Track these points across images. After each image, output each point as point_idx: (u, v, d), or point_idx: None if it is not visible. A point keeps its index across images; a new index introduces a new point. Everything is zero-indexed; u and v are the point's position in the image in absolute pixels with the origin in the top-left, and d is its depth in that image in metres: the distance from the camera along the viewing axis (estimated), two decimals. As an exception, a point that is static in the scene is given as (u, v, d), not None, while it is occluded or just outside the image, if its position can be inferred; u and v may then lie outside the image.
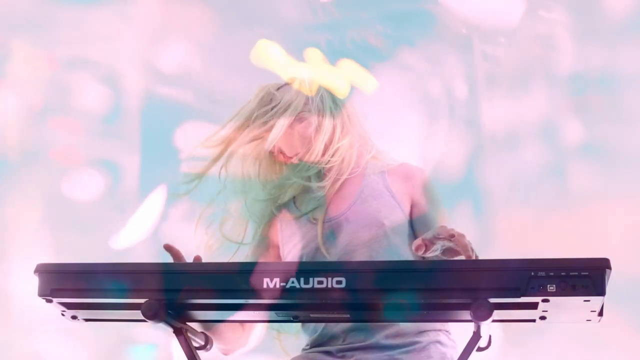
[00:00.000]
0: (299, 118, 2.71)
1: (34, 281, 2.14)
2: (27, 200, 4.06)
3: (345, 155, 2.70)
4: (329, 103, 2.74)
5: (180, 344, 2.16)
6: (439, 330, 2.62)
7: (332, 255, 2.61)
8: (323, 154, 2.69)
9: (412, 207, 2.66)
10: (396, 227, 2.62)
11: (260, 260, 2.71)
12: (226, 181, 2.73)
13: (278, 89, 2.75)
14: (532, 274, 1.97)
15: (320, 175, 2.71)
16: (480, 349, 2.10)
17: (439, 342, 2.60)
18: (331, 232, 2.64)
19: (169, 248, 2.36)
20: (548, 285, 1.96)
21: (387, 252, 2.59)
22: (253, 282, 2.04)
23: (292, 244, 2.68)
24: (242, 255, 2.74)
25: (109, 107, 4.13)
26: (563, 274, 1.96)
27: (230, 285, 2.06)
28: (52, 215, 4.05)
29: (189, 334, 2.19)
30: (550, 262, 1.98)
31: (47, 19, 4.15)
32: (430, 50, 4.00)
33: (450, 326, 2.66)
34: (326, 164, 2.69)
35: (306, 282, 2.03)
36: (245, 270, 2.07)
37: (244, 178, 2.75)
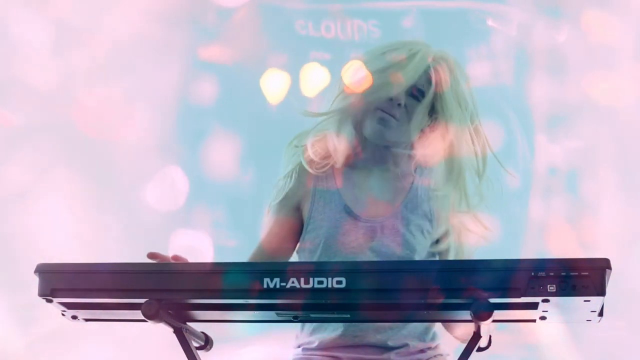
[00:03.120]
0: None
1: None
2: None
3: (428, 150, 2.54)
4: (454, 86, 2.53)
5: (181, 344, 2.16)
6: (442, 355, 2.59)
7: (345, 252, 2.54)
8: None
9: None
10: (424, 249, 2.55)
11: (280, 223, 2.63)
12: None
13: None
14: (532, 274, 1.97)
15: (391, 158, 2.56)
16: (480, 349, 2.10)
17: None
18: (365, 234, 2.54)
19: (152, 256, 2.25)
20: (548, 285, 1.96)
21: None
22: (253, 282, 2.04)
23: (318, 222, 2.58)
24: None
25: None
26: (563, 274, 1.96)
27: (230, 285, 2.06)
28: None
29: (189, 334, 2.19)
30: (550, 262, 1.98)
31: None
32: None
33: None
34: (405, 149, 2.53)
35: (306, 282, 2.03)
36: (245, 270, 2.08)
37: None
